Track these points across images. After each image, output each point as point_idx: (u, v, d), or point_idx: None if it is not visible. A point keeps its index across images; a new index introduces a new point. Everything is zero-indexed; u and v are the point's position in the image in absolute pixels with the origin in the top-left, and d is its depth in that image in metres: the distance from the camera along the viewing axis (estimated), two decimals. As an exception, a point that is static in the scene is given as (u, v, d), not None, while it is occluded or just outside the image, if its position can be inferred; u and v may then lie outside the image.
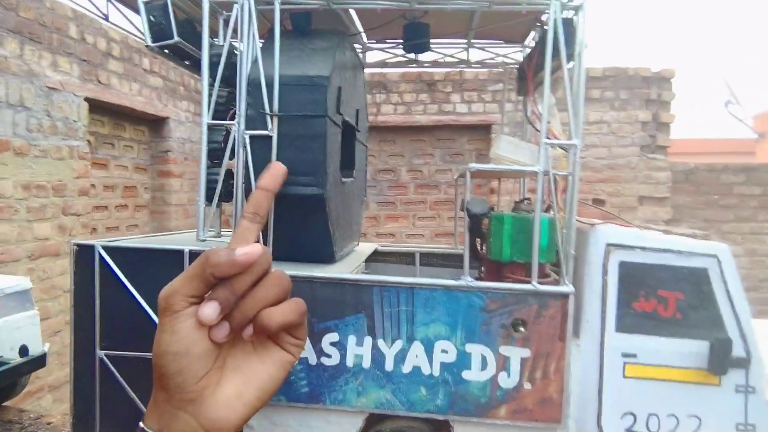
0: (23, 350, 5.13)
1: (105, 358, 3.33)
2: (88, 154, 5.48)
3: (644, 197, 7.93)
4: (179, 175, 7.27)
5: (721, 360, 3.03)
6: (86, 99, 5.33)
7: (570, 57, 3.15)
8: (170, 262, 3.27)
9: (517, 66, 4.67)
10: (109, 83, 5.75)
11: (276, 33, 3.14)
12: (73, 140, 5.23)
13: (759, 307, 8.31)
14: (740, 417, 3.08)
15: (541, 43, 3.37)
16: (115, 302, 3.32)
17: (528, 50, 4.47)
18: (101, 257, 3.31)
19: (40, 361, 5.06)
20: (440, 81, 7.82)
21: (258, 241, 0.55)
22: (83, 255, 3.35)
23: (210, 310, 0.52)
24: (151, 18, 3.25)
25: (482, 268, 3.66)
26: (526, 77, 3.58)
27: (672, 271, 3.16)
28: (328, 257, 3.56)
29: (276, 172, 0.59)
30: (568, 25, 3.15)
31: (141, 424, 0.55)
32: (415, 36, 3.95)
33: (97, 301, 3.33)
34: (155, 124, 6.95)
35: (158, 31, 3.25)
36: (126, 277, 3.30)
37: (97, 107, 5.65)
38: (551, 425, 3.13)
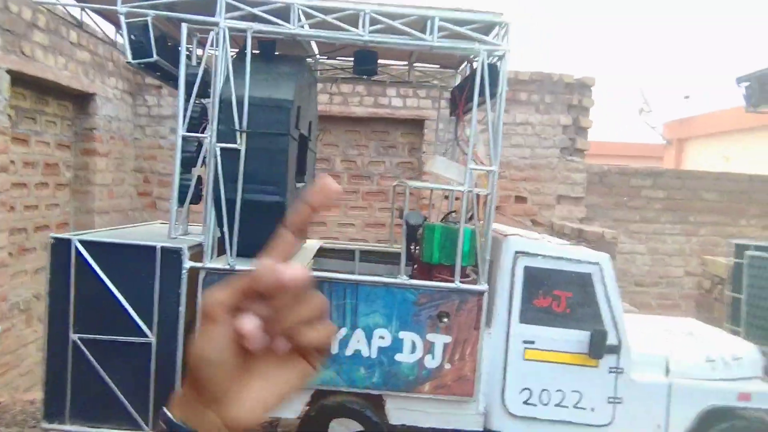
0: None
1: (78, 341, 3.70)
2: (9, 128, 5.23)
3: (562, 196, 8.54)
4: (105, 153, 7.05)
5: (598, 347, 3.85)
6: (8, 71, 5.02)
7: (493, 95, 3.82)
8: (143, 256, 3.68)
9: (449, 89, 5.33)
10: (33, 55, 5.44)
11: (247, 58, 3.60)
12: None
13: (658, 300, 9.37)
14: (611, 392, 3.93)
15: (471, 78, 4.03)
16: (89, 291, 3.68)
17: (459, 76, 5.15)
18: (77, 250, 3.66)
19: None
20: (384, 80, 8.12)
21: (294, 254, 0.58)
22: (59, 247, 3.68)
23: (250, 324, 0.55)
24: (132, 36, 3.61)
25: (414, 267, 4.31)
26: (458, 104, 4.23)
27: (565, 275, 3.94)
28: (283, 255, 4.08)
29: (326, 191, 0.60)
30: (493, 69, 3.82)
31: (165, 410, 0.59)
32: (365, 60, 4.50)
33: (72, 290, 3.68)
34: (81, 99, 6.65)
35: (139, 49, 3.62)
36: (100, 268, 3.67)
37: (19, 80, 5.31)
38: (465, 398, 3.85)
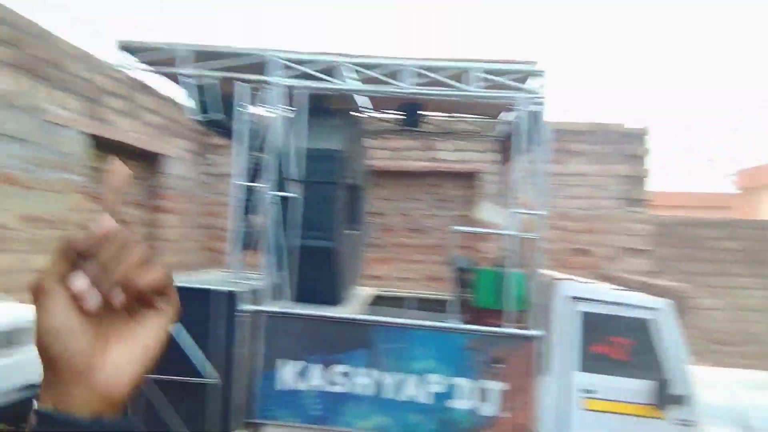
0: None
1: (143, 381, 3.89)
2: (86, 188, 5.52)
3: (625, 249, 8.19)
4: (173, 210, 7.41)
5: (663, 397, 3.64)
6: (87, 134, 5.42)
7: (537, 140, 3.86)
8: (203, 299, 3.88)
9: (499, 138, 5.41)
10: (109, 120, 5.88)
11: (300, 113, 3.86)
12: (73, 174, 5.28)
13: (745, 360, 8.62)
14: (680, 446, 3.66)
15: (516, 127, 4.10)
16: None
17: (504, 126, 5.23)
18: (146, 294, 3.92)
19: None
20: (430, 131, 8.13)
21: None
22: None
23: (80, 282, 0.55)
24: (198, 97, 3.96)
25: (466, 313, 4.28)
26: (506, 152, 4.29)
27: (623, 321, 3.80)
28: (335, 299, 4.19)
29: (119, 171, 0.63)
30: (535, 116, 3.88)
31: (35, 405, 0.56)
32: (410, 111, 4.68)
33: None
34: (152, 160, 7.10)
35: (203, 107, 3.96)
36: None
37: (97, 143, 5.71)
38: (522, 449, 3.70)
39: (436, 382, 3.76)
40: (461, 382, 3.74)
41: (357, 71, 3.85)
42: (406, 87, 3.79)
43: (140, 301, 0.59)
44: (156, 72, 4.16)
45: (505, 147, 5.24)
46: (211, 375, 3.84)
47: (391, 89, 3.84)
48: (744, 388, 4.19)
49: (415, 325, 3.81)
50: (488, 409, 3.72)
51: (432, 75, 3.78)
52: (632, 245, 8.26)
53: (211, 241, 8.54)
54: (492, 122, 5.21)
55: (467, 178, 8.36)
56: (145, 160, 7.10)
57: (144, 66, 4.13)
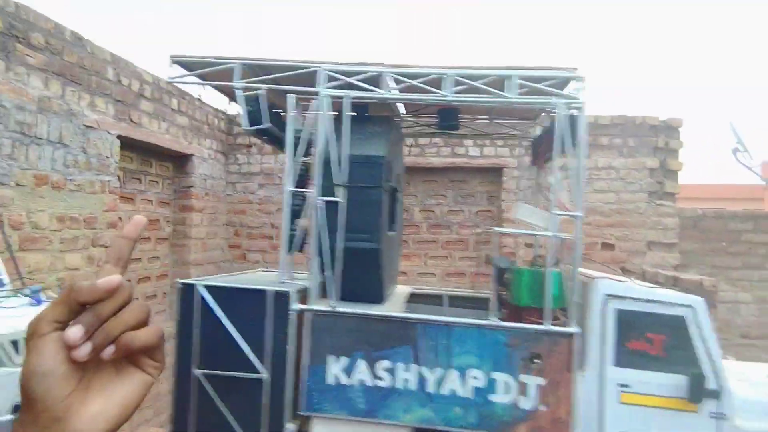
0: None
1: (201, 377, 4.14)
2: (118, 188, 5.80)
3: (653, 242, 8.17)
4: (200, 209, 7.64)
5: (697, 391, 3.78)
6: (119, 137, 5.63)
7: (573, 144, 4.00)
8: (256, 299, 4.11)
9: (530, 138, 5.55)
10: (140, 122, 6.10)
11: (346, 121, 4.05)
12: (105, 175, 5.52)
13: None
14: (714, 438, 3.81)
15: (551, 129, 4.24)
16: (210, 330, 4.15)
17: (538, 127, 5.37)
18: (200, 293, 4.16)
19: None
20: (465, 134, 7.77)
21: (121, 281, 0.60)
22: (185, 292, 4.20)
23: (74, 329, 0.56)
24: (248, 107, 4.18)
25: (503, 310, 4.46)
26: (539, 153, 4.44)
27: (657, 318, 3.94)
28: (378, 298, 4.39)
29: (137, 223, 0.65)
30: (572, 119, 4.02)
31: None
32: (448, 117, 4.85)
33: (196, 329, 4.16)
34: (180, 160, 7.33)
35: (253, 117, 4.17)
36: (220, 309, 4.13)
37: (127, 144, 5.94)
38: (560, 440, 3.88)
39: (477, 377, 3.94)
40: (501, 377, 3.92)
41: (400, 81, 4.02)
42: (448, 95, 3.96)
43: (129, 359, 0.61)
44: (208, 85, 4.37)
45: (536, 148, 5.39)
46: (262, 370, 4.07)
47: (433, 97, 4.01)
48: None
49: (457, 323, 4.00)
50: (527, 404, 3.89)
51: (472, 83, 3.94)
52: (660, 239, 8.21)
53: (237, 238, 8.74)
54: (526, 124, 5.35)
55: (492, 173, 8.34)
56: (173, 161, 7.34)
57: (195, 80, 4.34)
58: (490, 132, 5.55)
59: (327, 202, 4.05)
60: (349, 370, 4.06)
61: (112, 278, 0.59)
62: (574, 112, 3.96)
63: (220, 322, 4.13)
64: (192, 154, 7.42)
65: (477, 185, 8.56)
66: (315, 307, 4.08)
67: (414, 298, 5.38)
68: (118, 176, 5.83)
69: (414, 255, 8.53)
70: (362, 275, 4.22)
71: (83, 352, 0.57)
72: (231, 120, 8.63)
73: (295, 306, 4.07)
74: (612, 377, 3.93)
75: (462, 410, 3.95)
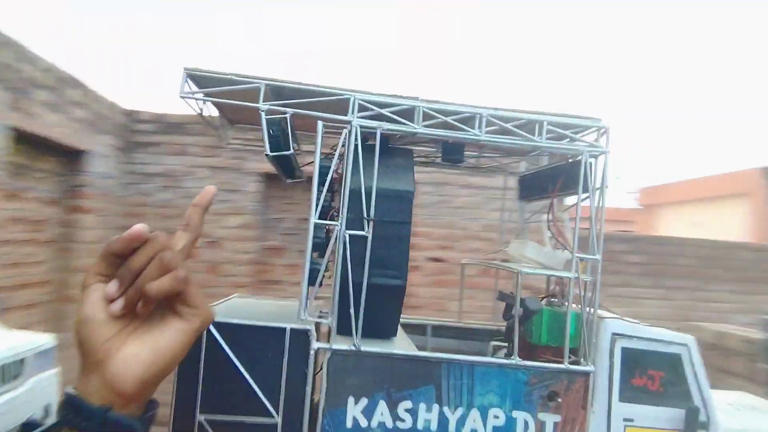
0: (47, 410, 5.23)
1: (204, 422, 3.76)
2: (3, 183, 5.23)
3: (487, 254, 8.42)
4: (92, 210, 6.93)
5: (692, 424, 4.12)
6: (9, 128, 5.08)
7: (585, 188, 4.21)
8: (273, 337, 3.83)
9: (517, 173, 5.75)
10: (33, 113, 5.51)
11: (376, 152, 3.92)
12: None
13: None
14: (703, 466, 4.17)
15: (566, 173, 4.43)
16: (217, 371, 3.79)
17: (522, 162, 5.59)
18: (209, 330, 3.79)
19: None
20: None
21: (186, 248, 0.67)
22: (190, 328, 3.80)
23: (111, 284, 0.64)
24: (271, 131, 3.90)
25: (511, 349, 4.55)
26: (550, 195, 4.61)
27: (657, 356, 4.25)
28: (393, 333, 4.29)
29: (208, 191, 0.72)
30: (591, 165, 4.21)
31: (67, 389, 0.64)
32: (453, 151, 4.87)
33: (201, 370, 3.78)
34: (74, 156, 6.61)
35: (275, 142, 3.90)
36: (230, 349, 3.79)
37: (18, 137, 5.35)
38: (574, 475, 4.02)
39: (498, 416, 3.98)
40: (521, 415, 3.99)
41: (432, 116, 3.98)
42: (479, 134, 3.98)
43: (167, 307, 0.66)
44: (229, 104, 4.02)
45: (523, 183, 5.59)
46: (275, 414, 3.80)
47: (465, 135, 4.02)
48: (737, 410, 4.82)
49: (481, 362, 4.01)
50: (545, 440, 4.00)
51: (504, 124, 4.01)
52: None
53: None
54: (517, 159, 5.53)
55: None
56: (66, 156, 6.55)
57: (211, 98, 3.98)
58: (482, 165, 5.67)
59: (354, 236, 3.89)
60: (369, 413, 3.91)
61: (135, 227, 0.64)
62: (595, 157, 4.14)
63: (229, 361, 3.80)
64: (87, 150, 6.66)
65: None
66: (337, 347, 3.88)
67: (405, 329, 5.31)
68: (3, 171, 5.16)
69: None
70: (383, 311, 4.10)
71: (115, 308, 0.63)
72: (131, 115, 7.99)
73: (316, 345, 3.85)
74: (618, 412, 4.16)
75: (482, 450, 3.96)
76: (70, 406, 0.63)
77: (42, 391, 5.16)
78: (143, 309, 0.65)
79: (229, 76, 3.89)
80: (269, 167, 7.97)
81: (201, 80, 3.94)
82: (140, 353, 0.64)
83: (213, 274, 8.02)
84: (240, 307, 4.72)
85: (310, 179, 5.72)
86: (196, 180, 8.13)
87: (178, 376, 3.81)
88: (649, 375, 4.23)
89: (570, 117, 4.09)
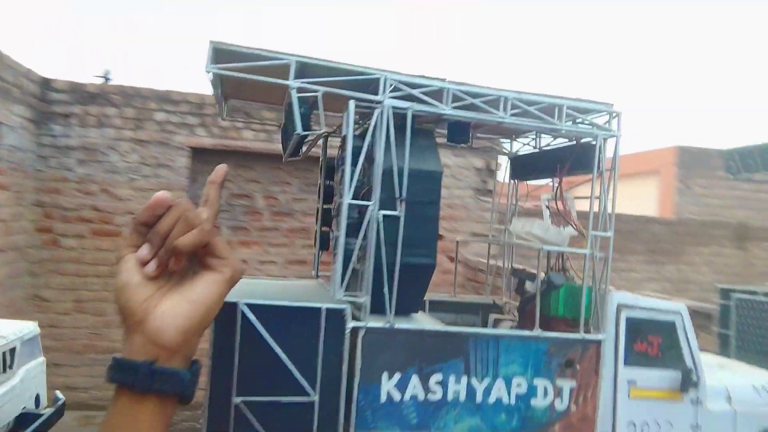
0: (38, 400, 4.98)
1: (242, 404, 3.72)
2: None
3: (476, 234, 8.65)
4: (4, 186, 6.52)
5: (686, 383, 4.55)
6: None
7: (585, 168, 4.47)
8: (308, 317, 3.83)
9: (508, 154, 5.96)
10: None
11: (407, 134, 3.96)
12: None
13: None
14: (694, 421, 4.62)
15: (574, 154, 4.67)
16: (253, 353, 3.75)
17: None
18: (243, 313, 3.73)
19: (62, 410, 4.97)
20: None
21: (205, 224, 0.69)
22: (225, 310, 3.72)
23: (142, 248, 0.68)
24: (302, 110, 3.84)
25: (520, 319, 4.79)
26: (558, 176, 4.84)
27: (655, 324, 4.63)
28: (419, 308, 4.41)
29: (220, 169, 0.75)
30: (602, 147, 4.46)
31: (114, 355, 0.67)
32: (459, 131, 4.98)
33: (237, 353, 3.72)
34: None
35: (306, 121, 3.85)
36: (266, 330, 3.76)
37: None
38: (587, 435, 4.35)
39: (520, 384, 4.21)
40: (541, 382, 4.24)
41: (460, 98, 4.06)
42: (504, 116, 4.12)
43: (200, 263, 0.70)
44: (261, 80, 3.89)
45: (515, 164, 5.82)
46: (312, 393, 3.82)
47: (491, 117, 4.14)
48: (711, 368, 5.34)
49: (506, 335, 4.21)
50: (562, 405, 4.28)
51: (527, 107, 4.16)
52: (482, 231, 8.54)
53: (48, 221, 7.54)
54: (507, 141, 5.73)
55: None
56: None
57: (238, 73, 3.84)
58: (475, 147, 5.82)
59: (386, 216, 3.94)
60: (402, 387, 4.02)
61: (157, 195, 0.69)
62: (609, 140, 4.39)
63: (264, 343, 3.77)
64: (-2, 122, 6.12)
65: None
66: (372, 324, 3.94)
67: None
68: None
69: (255, 243, 8.32)
70: (413, 289, 4.19)
71: (150, 269, 0.68)
72: (46, 83, 7.46)
73: (351, 323, 3.89)
74: (623, 376, 4.51)
75: (507, 416, 4.19)
76: (118, 366, 0.66)
77: (31, 381, 4.89)
78: (175, 266, 0.69)
79: (256, 51, 3.77)
80: (198, 141, 7.89)
81: (229, 55, 3.80)
82: (176, 306, 0.67)
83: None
84: (253, 288, 4.65)
85: (308, 158, 5.68)
86: (119, 154, 7.74)
87: (213, 361, 3.74)
88: (649, 341, 4.60)
89: (586, 102, 4.31)
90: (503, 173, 5.93)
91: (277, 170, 8.33)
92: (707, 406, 4.68)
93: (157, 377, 0.65)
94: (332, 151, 5.45)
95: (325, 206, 5.21)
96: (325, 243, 5.26)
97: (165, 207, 0.67)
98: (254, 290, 4.42)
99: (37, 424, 4.41)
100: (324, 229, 5.25)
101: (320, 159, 5.49)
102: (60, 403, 4.82)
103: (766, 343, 6.55)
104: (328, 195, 5.17)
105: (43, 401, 5.03)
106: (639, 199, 16.79)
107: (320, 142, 5.50)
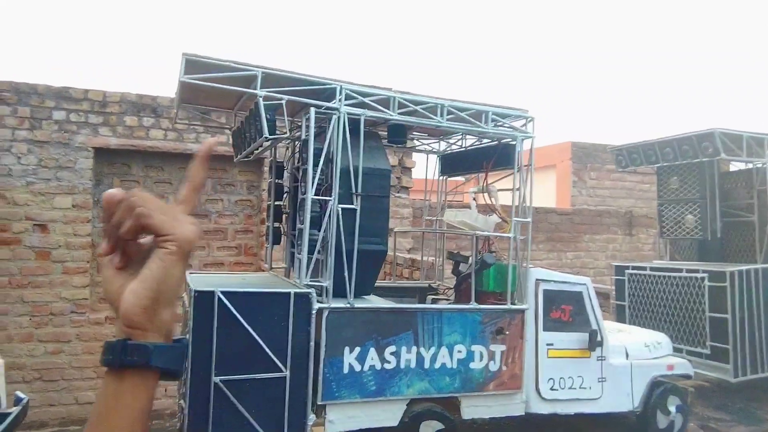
0: (-1, 402, 5.07)
1: (220, 383, 4.12)
2: None
3: (391, 229, 8.25)
4: None
5: (593, 343, 5.46)
6: None
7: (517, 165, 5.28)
8: (279, 302, 4.29)
9: (439, 154, 6.69)
10: None
11: (361, 137, 4.53)
12: None
13: None
14: (600, 374, 5.56)
15: (498, 152, 5.45)
16: (230, 336, 4.15)
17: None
18: (220, 300, 4.13)
19: (26, 409, 5.09)
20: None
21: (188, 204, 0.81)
22: (202, 299, 4.10)
23: (102, 243, 0.77)
24: (268, 116, 4.29)
25: (456, 296, 5.51)
26: (484, 170, 5.61)
27: (567, 294, 5.51)
28: (372, 290, 4.99)
29: (206, 143, 0.83)
30: (512, 147, 5.27)
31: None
32: (398, 133, 5.62)
33: (215, 336, 4.11)
34: None
35: (272, 126, 4.31)
36: (240, 314, 4.17)
37: None
38: (516, 390, 5.13)
39: (461, 351, 4.91)
40: (477, 348, 4.97)
41: (405, 105, 4.68)
42: (442, 121, 4.80)
43: (155, 243, 0.75)
44: (235, 90, 4.27)
45: (446, 162, 6.55)
46: (284, 369, 4.29)
47: (430, 122, 4.80)
48: (611, 332, 6.35)
49: (448, 309, 4.90)
50: (495, 366, 5.04)
51: (459, 113, 4.86)
52: (397, 227, 8.57)
53: None
54: (435, 140, 6.46)
55: (253, 163, 8.18)
56: None
57: (209, 82, 4.22)
58: (412, 146, 6.49)
59: (345, 209, 4.48)
60: (361, 359, 4.58)
61: (105, 193, 0.75)
62: (525, 140, 5.20)
63: (239, 326, 4.19)
64: None
65: (237, 174, 8.44)
66: (334, 305, 4.47)
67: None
68: None
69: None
70: (366, 273, 4.76)
71: (114, 260, 0.77)
72: None
73: (316, 305, 4.40)
74: (543, 339, 5.35)
75: (450, 378, 4.87)
76: (103, 349, 0.74)
77: (-9, 383, 4.96)
78: (133, 253, 0.76)
79: (226, 63, 4.18)
80: (103, 141, 7.63)
81: (201, 66, 4.17)
82: (134, 286, 0.73)
83: (42, 260, 7.35)
84: (223, 281, 5.01)
85: (258, 160, 6.09)
86: (14, 156, 7.30)
87: (193, 344, 4.11)
88: (562, 309, 5.48)
89: (506, 108, 5.09)
90: (426, 171, 6.61)
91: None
92: (610, 362, 5.64)
93: (128, 351, 0.71)
94: (279, 152, 5.91)
95: (276, 203, 5.65)
96: (277, 238, 5.70)
97: (116, 202, 0.73)
98: (225, 282, 4.80)
99: (6, 423, 4.52)
100: (276, 225, 5.70)
101: (270, 160, 5.92)
102: (24, 401, 4.91)
103: (653, 309, 7.77)
104: (279, 193, 5.62)
105: (3, 403, 5.08)
106: (538, 190, 18.20)
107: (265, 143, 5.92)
